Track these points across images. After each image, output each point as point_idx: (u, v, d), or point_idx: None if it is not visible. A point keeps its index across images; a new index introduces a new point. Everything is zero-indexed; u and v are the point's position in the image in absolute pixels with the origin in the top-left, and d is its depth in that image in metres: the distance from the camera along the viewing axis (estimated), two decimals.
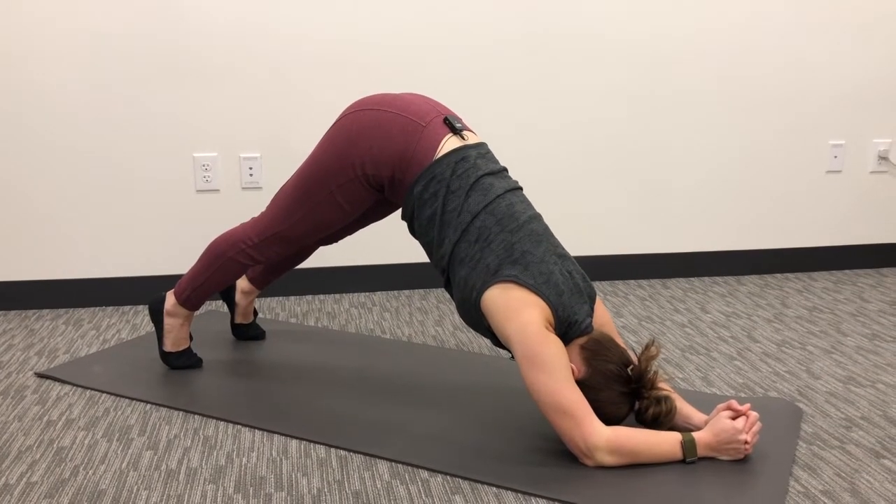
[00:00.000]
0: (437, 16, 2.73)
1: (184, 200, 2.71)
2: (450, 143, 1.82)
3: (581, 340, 1.74)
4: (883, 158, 3.14)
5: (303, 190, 1.91)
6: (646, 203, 3.01)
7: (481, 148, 1.86)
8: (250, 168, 2.72)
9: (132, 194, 2.68)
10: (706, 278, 3.08)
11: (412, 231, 1.89)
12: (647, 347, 1.72)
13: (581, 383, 1.69)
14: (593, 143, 2.93)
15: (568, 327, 1.73)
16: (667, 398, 1.71)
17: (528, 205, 1.83)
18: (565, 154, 2.92)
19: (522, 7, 2.77)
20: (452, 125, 1.84)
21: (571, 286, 1.75)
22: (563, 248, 1.82)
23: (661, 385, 1.78)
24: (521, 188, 1.87)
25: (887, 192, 3.19)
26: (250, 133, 2.71)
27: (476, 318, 1.77)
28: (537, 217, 1.82)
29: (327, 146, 1.88)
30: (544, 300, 1.70)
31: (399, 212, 2.63)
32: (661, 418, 1.71)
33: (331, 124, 2.73)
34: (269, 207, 1.99)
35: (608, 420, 1.71)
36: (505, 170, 1.88)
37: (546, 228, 1.81)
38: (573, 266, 1.79)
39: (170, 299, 2.11)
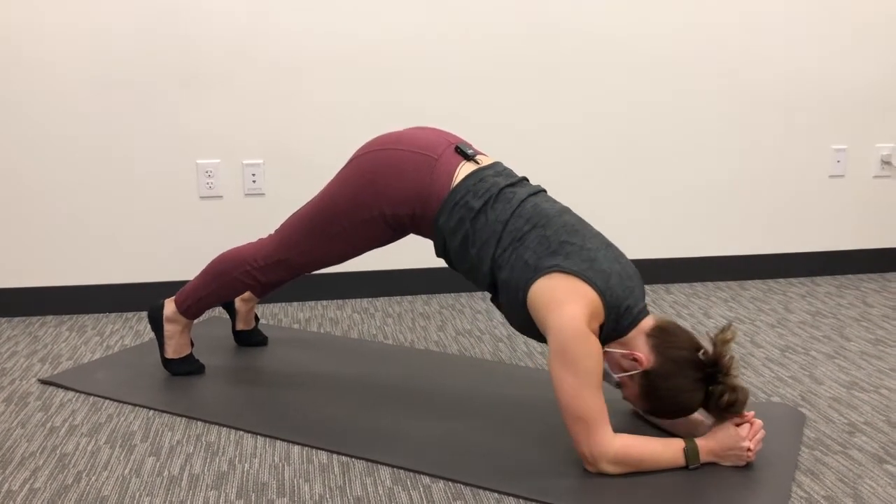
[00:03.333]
0: (441, 19, 2.74)
1: (187, 207, 2.72)
2: (464, 170, 1.82)
3: (645, 328, 1.69)
4: (886, 163, 3.14)
5: (316, 224, 1.92)
6: (647, 208, 3.01)
7: (497, 167, 1.86)
8: (253, 175, 2.73)
9: (135, 201, 2.69)
10: (709, 283, 3.08)
11: (450, 263, 1.87)
12: (722, 330, 1.66)
13: (652, 373, 1.65)
14: (593, 148, 2.93)
15: (621, 314, 1.68)
16: (742, 387, 1.64)
17: (556, 202, 1.82)
18: (564, 159, 2.92)
19: (525, 9, 2.78)
20: (464, 152, 1.85)
21: (619, 270, 1.70)
22: (604, 236, 1.77)
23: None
24: (544, 190, 1.86)
25: (890, 196, 3.18)
26: (253, 140, 2.72)
27: (527, 321, 1.72)
28: (568, 210, 1.80)
29: (342, 187, 1.88)
30: (591, 285, 1.65)
31: None
32: (735, 407, 1.63)
33: (338, 161, 2.74)
34: (279, 233, 1.99)
35: (683, 410, 1.67)
36: (525, 179, 1.87)
37: (580, 219, 1.78)
38: (618, 252, 1.75)
39: (169, 306, 2.12)
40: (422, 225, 1.86)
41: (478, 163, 1.85)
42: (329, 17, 2.68)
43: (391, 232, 1.90)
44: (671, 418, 1.73)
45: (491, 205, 1.77)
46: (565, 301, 1.63)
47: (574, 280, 1.65)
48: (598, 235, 1.76)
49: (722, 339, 1.65)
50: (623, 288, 1.68)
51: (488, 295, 2.91)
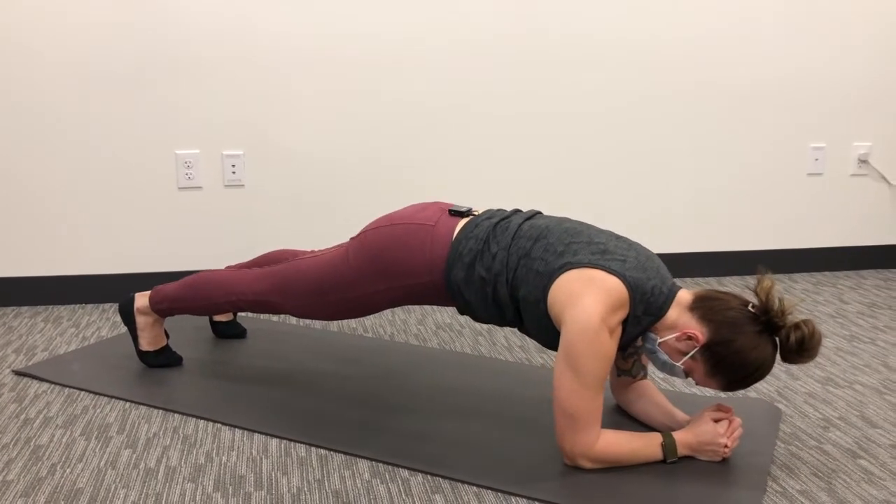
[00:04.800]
0: (426, 13, 2.73)
1: (166, 198, 2.70)
2: (460, 225, 1.83)
3: (685, 303, 1.65)
4: (863, 161, 3.17)
5: (318, 288, 1.90)
6: (626, 205, 3.02)
7: (489, 212, 1.86)
8: (233, 165, 2.71)
9: (114, 191, 2.66)
10: (688, 279, 3.10)
11: (476, 317, 1.83)
12: (760, 281, 1.60)
13: (712, 344, 1.60)
14: (578, 146, 2.93)
15: (648, 295, 1.63)
16: (806, 321, 1.56)
17: (553, 217, 1.82)
18: (551, 157, 2.92)
19: (517, 9, 2.77)
20: (458, 212, 1.86)
21: (635, 255, 1.67)
22: (612, 232, 1.75)
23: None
24: (539, 212, 1.86)
25: (867, 194, 3.22)
26: (233, 130, 2.70)
27: (555, 334, 1.67)
28: (567, 219, 1.79)
29: (347, 263, 1.88)
30: (608, 272, 1.60)
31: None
32: (806, 343, 1.55)
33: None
34: (276, 277, 1.96)
35: (760, 369, 1.59)
36: (518, 210, 1.88)
37: (582, 223, 1.77)
38: (631, 241, 1.72)
39: (141, 300, 2.10)
40: (432, 293, 1.84)
41: (473, 216, 1.86)
42: (311, 9, 2.66)
43: (398, 301, 1.89)
44: (750, 384, 1.63)
45: (491, 240, 1.76)
46: (583, 294, 1.58)
47: (589, 271, 1.61)
48: (605, 232, 1.74)
49: (763, 289, 1.59)
50: (643, 269, 1.64)
51: None
